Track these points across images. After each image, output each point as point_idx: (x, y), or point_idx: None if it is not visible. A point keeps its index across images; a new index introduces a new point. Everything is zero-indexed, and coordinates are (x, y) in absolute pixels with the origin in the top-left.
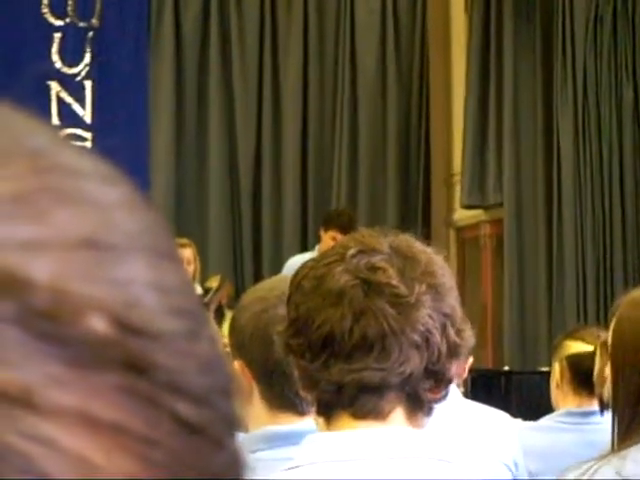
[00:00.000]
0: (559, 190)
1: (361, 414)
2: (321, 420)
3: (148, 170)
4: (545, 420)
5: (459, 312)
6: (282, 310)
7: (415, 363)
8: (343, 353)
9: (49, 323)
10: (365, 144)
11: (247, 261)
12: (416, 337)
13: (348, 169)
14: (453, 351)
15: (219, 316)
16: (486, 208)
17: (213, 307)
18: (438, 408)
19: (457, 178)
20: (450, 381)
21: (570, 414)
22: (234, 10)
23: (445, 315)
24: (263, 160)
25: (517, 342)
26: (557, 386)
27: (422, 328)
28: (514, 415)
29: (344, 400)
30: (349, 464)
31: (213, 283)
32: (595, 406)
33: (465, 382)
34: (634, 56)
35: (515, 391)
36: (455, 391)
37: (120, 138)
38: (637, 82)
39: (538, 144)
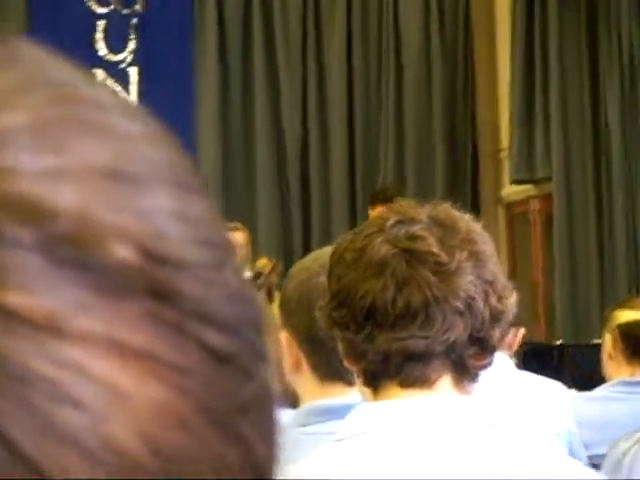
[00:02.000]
0: (608, 162)
1: (407, 383)
2: (368, 391)
3: (195, 155)
4: (599, 390)
5: (500, 279)
6: (325, 278)
7: (459, 330)
8: (387, 323)
9: (73, 250)
10: (411, 122)
11: (296, 243)
12: (459, 304)
13: (395, 147)
14: (495, 317)
15: (269, 298)
16: (535, 182)
17: (264, 290)
18: (490, 377)
19: (505, 154)
20: (494, 348)
21: (625, 384)
22: None
23: (487, 282)
24: (310, 141)
25: (569, 316)
26: (609, 357)
27: (464, 295)
28: (568, 388)
29: (390, 370)
30: (398, 433)
31: (261, 264)
32: None
33: (518, 356)
34: None
35: (568, 365)
36: (508, 362)
37: (166, 124)
38: None
39: (586, 116)
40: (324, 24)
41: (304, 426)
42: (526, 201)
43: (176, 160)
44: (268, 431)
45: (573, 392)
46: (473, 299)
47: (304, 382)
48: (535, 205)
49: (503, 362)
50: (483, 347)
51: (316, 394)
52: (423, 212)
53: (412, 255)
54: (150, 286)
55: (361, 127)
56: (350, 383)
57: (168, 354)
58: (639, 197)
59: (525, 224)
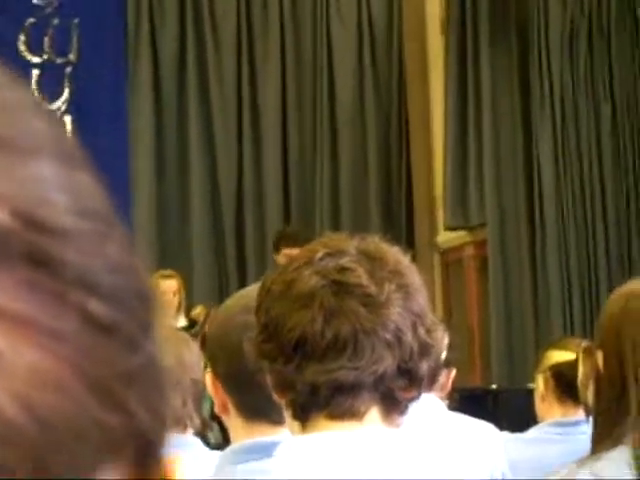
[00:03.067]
0: (541, 207)
1: (336, 415)
2: (296, 424)
3: (129, 202)
4: (532, 431)
5: (428, 312)
6: (246, 317)
7: (388, 362)
8: (316, 354)
9: None
10: (346, 171)
11: (232, 291)
12: (388, 336)
13: (330, 197)
14: (424, 350)
15: (203, 346)
16: (470, 229)
17: (199, 339)
18: (421, 418)
19: (439, 201)
20: (422, 380)
21: (557, 424)
22: (210, 39)
23: (415, 314)
24: (245, 193)
25: (505, 362)
26: (542, 398)
27: (393, 326)
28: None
29: (319, 401)
30: (325, 466)
31: (196, 312)
32: (581, 415)
33: (452, 400)
34: (611, 71)
35: (503, 409)
36: (440, 404)
37: (101, 172)
38: (614, 97)
39: (518, 161)
40: (259, 79)
41: (234, 465)
42: (461, 247)
43: (60, 133)
44: (155, 402)
45: (506, 434)
46: (402, 331)
47: (232, 423)
48: (470, 251)
49: (434, 403)
50: (412, 379)
51: (242, 434)
52: (351, 245)
53: (341, 287)
54: (28, 252)
55: (295, 179)
56: (275, 422)
57: (45, 320)
58: (572, 242)
59: (460, 270)
